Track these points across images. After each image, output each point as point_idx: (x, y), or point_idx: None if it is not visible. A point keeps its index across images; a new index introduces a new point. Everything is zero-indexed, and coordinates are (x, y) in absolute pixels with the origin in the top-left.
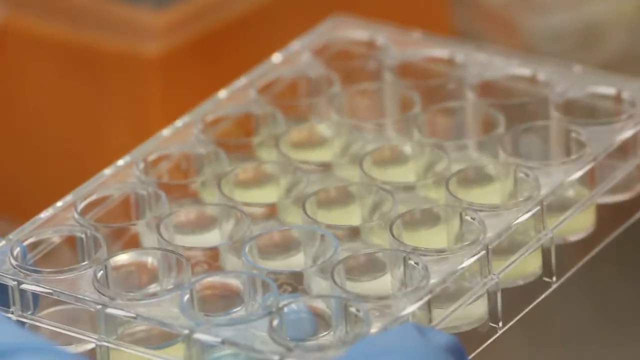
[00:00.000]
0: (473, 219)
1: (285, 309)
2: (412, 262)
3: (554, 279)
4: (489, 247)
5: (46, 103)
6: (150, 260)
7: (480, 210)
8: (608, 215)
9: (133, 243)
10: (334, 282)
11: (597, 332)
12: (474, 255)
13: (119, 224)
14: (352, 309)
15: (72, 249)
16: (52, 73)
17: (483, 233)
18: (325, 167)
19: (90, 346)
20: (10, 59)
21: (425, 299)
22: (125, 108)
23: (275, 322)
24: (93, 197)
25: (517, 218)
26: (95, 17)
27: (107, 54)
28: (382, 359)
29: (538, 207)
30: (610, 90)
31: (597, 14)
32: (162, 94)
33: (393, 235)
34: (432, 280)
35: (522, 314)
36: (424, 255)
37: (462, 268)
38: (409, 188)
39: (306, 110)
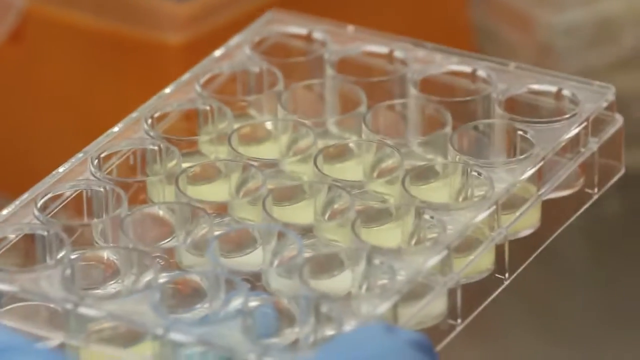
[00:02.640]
0: (432, 217)
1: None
2: (376, 261)
3: (507, 275)
4: (451, 246)
5: (68, 90)
6: (112, 257)
7: (437, 209)
8: (553, 212)
9: (88, 239)
10: (302, 281)
11: (604, 331)
12: (437, 255)
13: (77, 221)
14: (324, 308)
15: (29, 246)
16: (74, 61)
17: (443, 232)
18: (273, 164)
19: (57, 342)
20: (33, 46)
21: (394, 298)
22: (147, 97)
23: (248, 322)
24: (49, 195)
25: (475, 217)
26: (119, 7)
27: (130, 42)
28: (355, 355)
29: (494, 206)
30: (550, 88)
31: (612, 10)
32: None
33: (355, 234)
34: (398, 279)
35: (478, 310)
36: (385, 254)
37: (427, 267)
38: (358, 185)
39: (245, 105)
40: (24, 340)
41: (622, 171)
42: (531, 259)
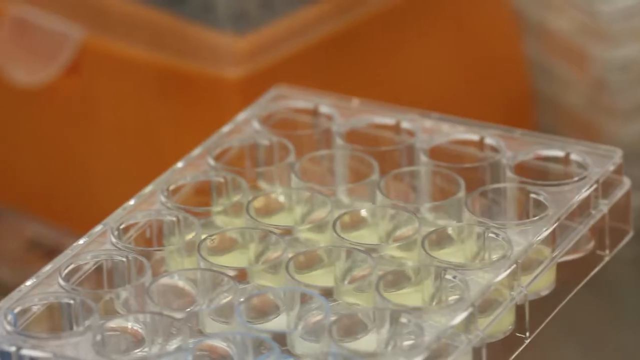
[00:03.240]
0: (454, 277)
1: None
2: (403, 319)
3: (527, 334)
4: (475, 304)
5: (125, 124)
6: (137, 325)
7: (460, 269)
8: (566, 274)
9: (110, 310)
10: (332, 340)
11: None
12: (462, 313)
13: (103, 290)
14: None
15: (53, 316)
16: (131, 94)
17: (466, 291)
18: (288, 232)
19: None
20: (90, 79)
21: (423, 356)
22: (206, 132)
23: None
24: (72, 265)
25: (496, 277)
26: (177, 40)
27: (187, 77)
28: None
29: (514, 266)
30: (558, 153)
31: None
32: None
33: (380, 294)
34: (426, 338)
35: None
36: (410, 313)
37: (453, 325)
38: (375, 249)
39: (256, 178)
40: None
41: (631, 234)
42: (549, 319)
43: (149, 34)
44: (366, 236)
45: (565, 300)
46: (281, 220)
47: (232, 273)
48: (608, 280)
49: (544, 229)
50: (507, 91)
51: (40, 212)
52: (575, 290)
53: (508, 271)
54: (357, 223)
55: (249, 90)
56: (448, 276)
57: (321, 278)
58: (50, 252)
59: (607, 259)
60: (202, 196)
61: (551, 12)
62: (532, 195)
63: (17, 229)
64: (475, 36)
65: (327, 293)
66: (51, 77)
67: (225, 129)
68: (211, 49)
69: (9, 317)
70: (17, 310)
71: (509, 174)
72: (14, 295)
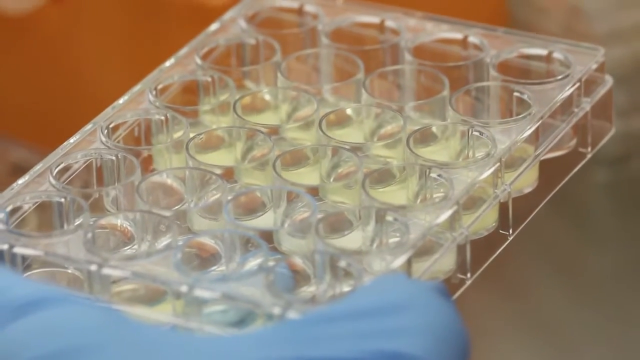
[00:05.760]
0: (439, 176)
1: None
2: (389, 218)
3: (510, 231)
4: (459, 203)
5: (109, 50)
6: (126, 223)
7: (442, 167)
8: (549, 171)
9: (99, 208)
10: (319, 238)
11: (632, 290)
12: (447, 211)
13: (93, 189)
14: (342, 264)
15: (44, 214)
16: (115, 21)
17: (451, 189)
18: (274, 131)
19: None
20: (74, 6)
21: (409, 253)
22: None
23: (270, 278)
24: (63, 164)
25: (480, 175)
26: None
27: (172, 2)
28: (382, 299)
29: (497, 164)
30: (541, 51)
31: None
32: None
33: (366, 192)
34: (411, 236)
35: (486, 265)
36: (396, 211)
37: (438, 223)
38: (360, 148)
39: (242, 77)
40: (60, 290)
41: (613, 131)
42: (532, 216)
43: None
44: (351, 134)
45: (548, 197)
46: (267, 118)
47: (219, 171)
48: (580, 205)
49: (528, 127)
50: (483, 18)
51: (23, 136)
52: (557, 188)
53: (492, 169)
54: (343, 121)
55: None
56: (433, 174)
57: (307, 176)
58: None
59: (589, 156)
60: (189, 95)
61: None
62: (516, 94)
63: (1, 154)
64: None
65: (313, 191)
66: (36, 5)
67: (212, 27)
68: None
69: (1, 215)
70: (8, 209)
71: (493, 72)
72: (6, 194)
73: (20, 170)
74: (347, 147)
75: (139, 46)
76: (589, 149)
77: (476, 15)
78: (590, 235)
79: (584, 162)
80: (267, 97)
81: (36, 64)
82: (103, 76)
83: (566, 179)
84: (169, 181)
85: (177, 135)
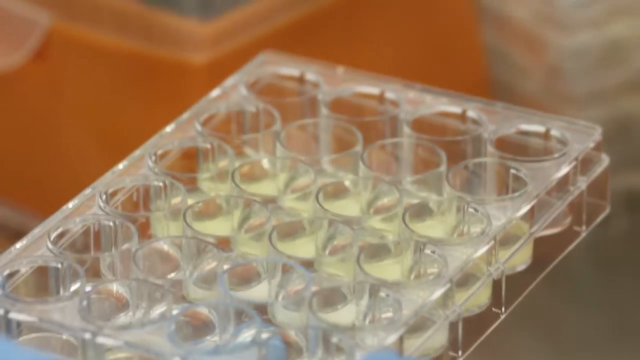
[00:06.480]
0: (433, 252)
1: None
2: (382, 294)
3: (503, 309)
4: (453, 280)
5: (92, 110)
6: (121, 289)
7: (437, 244)
8: (543, 249)
9: (96, 273)
10: (312, 312)
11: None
12: (440, 289)
13: (89, 255)
14: (334, 339)
15: (41, 279)
16: (98, 80)
17: (445, 266)
18: (272, 201)
19: None
20: (57, 65)
21: (401, 330)
22: (172, 115)
23: (263, 352)
24: (61, 229)
25: (474, 252)
26: (143, 26)
27: (154, 62)
28: None
29: (492, 242)
30: (539, 128)
31: (621, 32)
32: None
33: (360, 267)
34: (404, 312)
35: (477, 343)
36: (389, 287)
37: (431, 300)
38: (357, 221)
39: (241, 144)
40: None
41: (608, 210)
42: (525, 294)
43: (115, 20)
44: (348, 206)
45: (542, 275)
46: (265, 187)
47: (215, 240)
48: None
49: (523, 205)
50: (464, 78)
51: (6, 195)
52: (551, 266)
53: (486, 247)
54: (340, 193)
55: (214, 75)
56: (427, 250)
57: (303, 247)
58: (17, 235)
59: (583, 234)
60: (189, 160)
61: (509, 0)
62: (512, 171)
63: None
64: (434, 23)
65: (308, 263)
66: (19, 63)
67: (214, 93)
68: (177, 34)
69: None
70: (5, 273)
71: (490, 148)
72: (3, 257)
73: (2, 229)
74: (342, 220)
75: (122, 104)
76: (584, 227)
77: (458, 76)
78: (570, 295)
79: (578, 240)
80: (266, 165)
81: (17, 122)
82: (85, 135)
83: (560, 257)
84: (166, 247)
85: (175, 201)
